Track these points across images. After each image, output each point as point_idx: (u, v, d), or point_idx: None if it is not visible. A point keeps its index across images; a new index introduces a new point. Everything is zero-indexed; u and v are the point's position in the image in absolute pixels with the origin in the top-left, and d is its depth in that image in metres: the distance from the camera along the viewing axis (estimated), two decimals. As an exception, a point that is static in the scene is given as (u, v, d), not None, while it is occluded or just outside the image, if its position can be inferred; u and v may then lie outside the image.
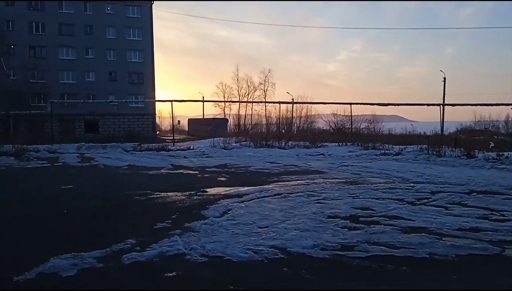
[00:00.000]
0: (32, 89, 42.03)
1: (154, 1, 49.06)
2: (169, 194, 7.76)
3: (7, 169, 12.85)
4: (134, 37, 48.50)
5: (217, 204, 6.63)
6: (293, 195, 7.52)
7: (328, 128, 39.99)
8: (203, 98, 67.67)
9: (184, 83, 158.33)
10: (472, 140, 18.40)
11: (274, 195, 7.48)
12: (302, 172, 11.53)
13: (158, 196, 7.58)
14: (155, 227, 5.09)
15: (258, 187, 8.52)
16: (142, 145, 22.86)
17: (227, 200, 7.03)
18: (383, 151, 18.28)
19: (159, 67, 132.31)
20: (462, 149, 15.91)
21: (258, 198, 7.19)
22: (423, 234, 4.92)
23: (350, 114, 31.44)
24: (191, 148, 21.17)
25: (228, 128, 54.23)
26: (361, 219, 5.69)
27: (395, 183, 9.17)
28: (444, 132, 29.59)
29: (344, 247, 4.37)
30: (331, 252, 4.20)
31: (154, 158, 16.14)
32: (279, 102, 30.35)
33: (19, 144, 18.67)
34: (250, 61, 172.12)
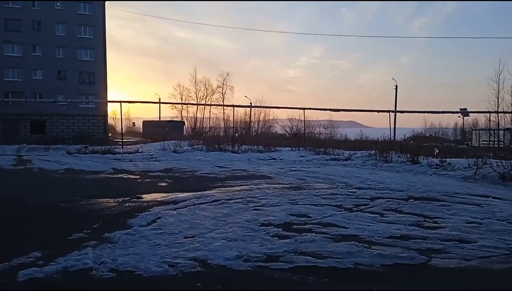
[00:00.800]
0: (-28, 86, 39.53)
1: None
2: (99, 200, 7.31)
3: None
4: (85, 34, 46.74)
5: (148, 211, 6.27)
6: (231, 201, 7.28)
7: (284, 133, 40.31)
8: (160, 100, 66.65)
9: (142, 84, 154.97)
10: (419, 147, 18.89)
11: (212, 202, 7.21)
12: (249, 177, 11.33)
13: (86, 202, 7.10)
14: (69, 237, 4.67)
15: (199, 192, 8.22)
16: (88, 147, 21.98)
17: (160, 207, 6.68)
18: (334, 156, 18.46)
19: (114, 67, 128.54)
20: (408, 155, 16.32)
21: (194, 205, 6.89)
22: (353, 242, 4.81)
23: (304, 119, 31.81)
24: (139, 151, 20.53)
25: (185, 131, 53.46)
26: (294, 226, 5.53)
27: (337, 188, 9.14)
28: (396, 138, 30.56)
29: (269, 258, 4.16)
30: (253, 264, 3.97)
31: (97, 161, 15.44)
32: (233, 106, 30.04)
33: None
34: (211, 64, 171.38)
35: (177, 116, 71.77)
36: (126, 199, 7.48)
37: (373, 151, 18.06)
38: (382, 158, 16.67)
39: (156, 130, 49.96)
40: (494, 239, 5.11)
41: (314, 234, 5.14)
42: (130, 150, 20.70)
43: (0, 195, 7.93)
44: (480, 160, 13.10)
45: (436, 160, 14.99)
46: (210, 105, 70.92)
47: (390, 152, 17.32)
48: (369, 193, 8.54)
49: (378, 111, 24.21)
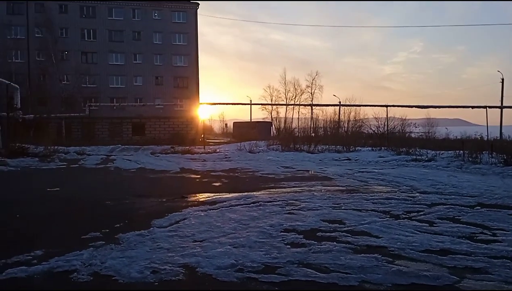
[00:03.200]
0: (83, 93, 43.94)
1: (199, 6, 49.84)
2: (144, 199, 7.50)
3: (21, 170, 13.27)
4: (179, 42, 49.42)
5: (180, 212, 6.24)
6: (270, 203, 6.98)
7: (371, 133, 38.47)
8: (251, 102, 68.08)
9: (240, 87, 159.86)
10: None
11: (250, 203, 6.97)
12: (308, 178, 10.89)
13: (131, 201, 7.33)
14: (83, 236, 4.77)
15: (244, 193, 8.04)
16: (174, 147, 23.11)
17: (195, 207, 6.62)
18: (415, 157, 17.07)
19: (215, 72, 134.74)
20: (503, 156, 14.46)
21: (229, 206, 6.72)
22: (375, 255, 4.23)
23: (394, 117, 30.08)
24: (217, 151, 21.05)
25: (272, 132, 53.83)
26: (318, 234, 5.06)
27: (397, 192, 8.33)
28: (504, 137, 27.11)
29: (265, 269, 3.80)
30: (244, 275, 3.65)
31: (172, 160, 16.09)
32: (309, 105, 29.40)
33: (51, 145, 19.40)
34: (304, 64, 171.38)
35: (267, 117, 72.74)
36: (170, 198, 7.59)
37: (461, 151, 16.35)
38: (470, 159, 15.00)
39: (245, 131, 51.00)
40: (562, 260, 4.15)
41: (335, 243, 4.64)
42: (209, 150, 21.29)
43: (61, 193, 8.53)
44: None
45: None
46: (297, 105, 70.61)
47: (482, 152, 15.52)
48: (432, 198, 7.63)
49: (473, 107, 21.86)
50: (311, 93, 72.99)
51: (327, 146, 22.74)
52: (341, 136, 29.20)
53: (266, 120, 66.90)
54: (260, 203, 6.99)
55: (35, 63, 44.86)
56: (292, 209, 6.54)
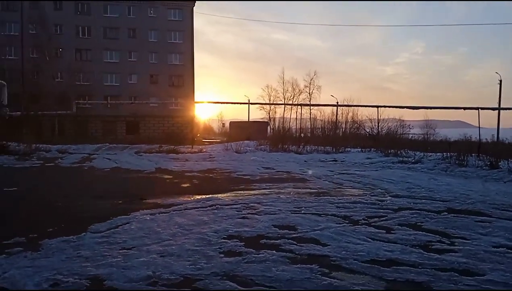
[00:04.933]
0: (77, 91, 43.61)
1: (195, 3, 49.49)
2: (100, 201, 7.18)
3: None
4: (175, 40, 49.10)
5: (127, 215, 5.89)
6: (228, 206, 6.63)
7: (365, 133, 38.10)
8: (249, 101, 67.69)
9: (240, 87, 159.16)
10: (501, 149, 16.30)
11: (207, 207, 6.62)
12: (284, 180, 10.54)
13: (84, 203, 7.01)
14: (5, 242, 4.42)
15: (208, 196, 7.70)
16: (162, 147, 22.77)
17: (146, 210, 6.27)
18: (402, 159, 16.72)
19: (215, 71, 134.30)
20: (489, 158, 14.11)
21: (183, 210, 6.38)
22: (314, 265, 3.89)
23: (389, 118, 29.79)
24: (203, 151, 20.71)
25: (268, 132, 53.45)
26: (262, 241, 4.71)
27: (367, 196, 7.96)
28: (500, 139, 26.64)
29: (182, 282, 3.45)
30: (154, 288, 3.30)
31: (152, 160, 15.75)
32: (301, 105, 29.08)
33: (35, 143, 19.08)
34: (306, 64, 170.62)
35: (265, 117, 72.32)
36: (128, 200, 7.26)
37: (451, 154, 15.98)
38: (457, 162, 14.63)
39: (241, 131, 50.64)
40: (515, 273, 3.80)
41: (274, 252, 4.29)
42: (195, 150, 20.95)
43: (15, 193, 8.19)
44: None
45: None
46: (294, 105, 70.19)
47: (470, 155, 15.16)
48: (401, 202, 7.28)
49: (464, 108, 21.51)
50: (309, 93, 72.69)
51: (316, 147, 22.41)
52: (332, 137, 28.82)
53: (265, 120, 66.66)
54: (217, 206, 6.64)
55: (28, 60, 44.54)
56: (248, 213, 6.19)
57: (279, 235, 4.98)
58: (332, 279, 3.59)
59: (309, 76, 72.84)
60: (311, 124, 68.19)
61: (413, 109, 23.42)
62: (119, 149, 22.41)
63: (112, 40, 47.30)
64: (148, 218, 5.69)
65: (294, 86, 72.47)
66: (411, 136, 39.54)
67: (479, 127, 20.34)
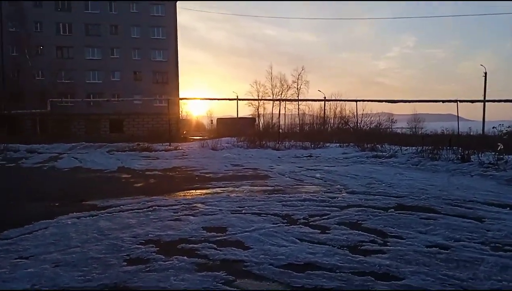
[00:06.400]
0: (58, 89, 42.91)
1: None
2: (35, 204, 6.78)
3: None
4: (158, 36, 48.58)
5: (51, 219, 5.48)
6: (166, 208, 6.29)
7: (349, 128, 37.90)
8: (237, 97, 67.21)
9: (232, 83, 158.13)
10: (472, 141, 16.13)
11: (144, 208, 6.25)
12: (246, 177, 10.20)
13: (17, 205, 6.64)
14: None
15: (156, 196, 7.34)
16: (140, 145, 22.30)
17: (77, 213, 5.88)
18: (377, 153, 16.47)
19: (208, 68, 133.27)
20: (460, 151, 13.89)
21: (117, 212, 6.01)
22: (221, 272, 3.55)
23: (357, 112, 29.66)
24: (178, 148, 20.32)
25: (257, 128, 53.07)
26: (181, 246, 4.36)
27: (322, 192, 7.65)
28: (486, 132, 26.49)
29: (62, 295, 3.12)
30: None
31: (120, 159, 15.34)
32: (285, 100, 28.75)
33: (4, 143, 18.57)
34: (298, 59, 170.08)
35: (255, 114, 71.90)
36: (66, 202, 6.88)
37: (425, 147, 15.77)
38: (430, 155, 14.40)
39: (228, 127, 50.23)
40: (437, 276, 3.50)
41: (186, 258, 3.95)
42: (171, 148, 20.54)
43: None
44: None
45: (492, 158, 12.45)
46: (279, 100, 69.99)
47: (445, 148, 14.95)
48: (353, 199, 6.98)
49: (443, 101, 21.34)
50: (297, 88, 72.46)
51: (295, 143, 22.14)
52: (313, 133, 28.58)
53: (254, 116, 66.30)
54: (155, 207, 6.29)
55: (8, 59, 43.77)
56: (184, 214, 5.85)
57: (203, 238, 4.64)
58: (232, 288, 3.27)
59: (297, 71, 72.67)
60: (299, 120, 68.09)
61: (393, 103, 23.21)
62: (94, 148, 21.92)
63: (94, 37, 46.65)
64: (70, 222, 5.32)
65: (282, 82, 72.23)
66: (401, 131, 39.48)
67: (457, 120, 20.17)
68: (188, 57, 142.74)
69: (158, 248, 4.26)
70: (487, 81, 45.00)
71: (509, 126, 17.83)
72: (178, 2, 48.81)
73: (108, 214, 5.85)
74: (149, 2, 47.79)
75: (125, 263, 3.83)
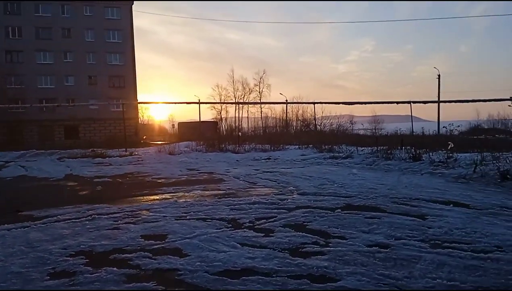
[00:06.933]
0: (8, 94, 40.92)
1: (134, 2, 47.92)
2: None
3: None
4: (113, 39, 47.39)
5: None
6: (108, 216, 5.99)
7: (309, 130, 38.36)
8: (199, 101, 66.55)
9: (194, 87, 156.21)
10: (424, 141, 16.62)
11: (83, 218, 5.92)
12: (200, 182, 9.97)
13: None
14: None
15: (99, 204, 6.99)
16: (94, 151, 21.55)
17: (7, 225, 5.49)
18: (334, 154, 16.65)
19: (168, 72, 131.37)
20: (412, 151, 14.23)
21: (52, 222, 5.67)
22: (150, 283, 3.36)
23: (315, 114, 30.15)
24: (134, 153, 19.77)
25: (220, 131, 52.71)
26: (113, 256, 4.12)
27: (273, 195, 7.54)
28: (440, 131, 27.38)
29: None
30: None
31: (70, 166, 14.72)
32: (246, 103, 28.75)
33: None
34: (260, 63, 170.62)
35: (217, 117, 71.42)
36: (1, 213, 6.43)
37: (380, 147, 16.08)
38: (384, 155, 14.69)
39: (189, 131, 49.62)
40: (373, 275, 3.45)
41: (115, 269, 3.71)
42: (126, 153, 19.93)
43: None
44: (481, 154, 10.88)
45: (443, 156, 12.82)
46: (241, 103, 70.02)
47: (398, 148, 15.29)
48: (303, 200, 6.92)
49: (397, 102, 21.89)
50: (259, 92, 72.69)
51: (255, 145, 22.07)
52: (273, 135, 28.68)
53: (216, 120, 65.93)
54: (94, 216, 5.97)
55: (-47, 64, 41.42)
56: (125, 222, 5.58)
57: (139, 247, 4.41)
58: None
59: (259, 75, 72.91)
60: (262, 123, 68.30)
61: (350, 104, 23.72)
62: (45, 155, 21.00)
63: (45, 40, 44.93)
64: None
65: (244, 85, 72.25)
66: (363, 132, 40.22)
67: (411, 121, 20.73)
68: (149, 61, 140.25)
69: (87, 260, 4.00)
70: (441, 83, 46.94)
71: (458, 126, 18.60)
72: (134, 5, 47.85)
73: (42, 225, 5.49)
74: (103, 6, 46.56)
75: (48, 278, 3.55)
